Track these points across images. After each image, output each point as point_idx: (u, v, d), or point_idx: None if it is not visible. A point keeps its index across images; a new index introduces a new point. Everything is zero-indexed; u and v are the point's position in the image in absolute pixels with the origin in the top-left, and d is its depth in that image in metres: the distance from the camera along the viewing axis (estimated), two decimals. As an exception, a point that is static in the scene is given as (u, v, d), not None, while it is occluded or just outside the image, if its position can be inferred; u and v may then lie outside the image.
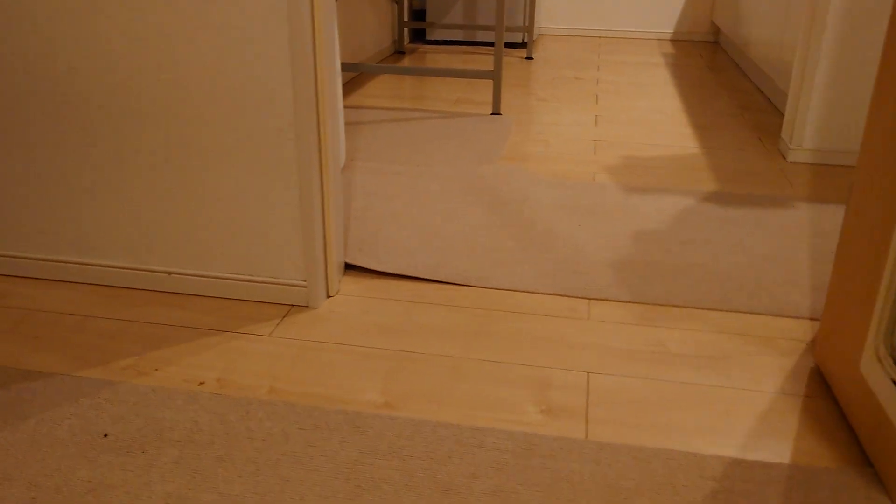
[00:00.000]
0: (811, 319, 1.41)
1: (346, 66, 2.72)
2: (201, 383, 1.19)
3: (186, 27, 1.26)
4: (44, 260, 1.48)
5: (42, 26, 1.31)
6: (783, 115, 2.81)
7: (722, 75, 3.52)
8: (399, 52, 3.91)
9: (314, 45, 1.27)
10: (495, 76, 2.66)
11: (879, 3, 2.09)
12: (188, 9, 1.25)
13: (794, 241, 1.71)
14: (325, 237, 1.40)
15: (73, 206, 1.43)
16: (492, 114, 2.74)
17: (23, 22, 1.31)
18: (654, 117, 2.78)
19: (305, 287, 1.41)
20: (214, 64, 1.28)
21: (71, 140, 1.38)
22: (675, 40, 4.49)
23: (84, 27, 1.29)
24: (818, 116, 2.23)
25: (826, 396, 1.19)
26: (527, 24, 3.97)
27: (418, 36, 4.37)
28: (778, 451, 1.07)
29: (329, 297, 1.45)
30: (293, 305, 1.42)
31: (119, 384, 1.17)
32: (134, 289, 1.47)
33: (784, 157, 2.32)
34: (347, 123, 2.59)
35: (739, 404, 1.17)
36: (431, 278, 1.52)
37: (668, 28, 4.49)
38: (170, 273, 1.44)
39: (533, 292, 1.48)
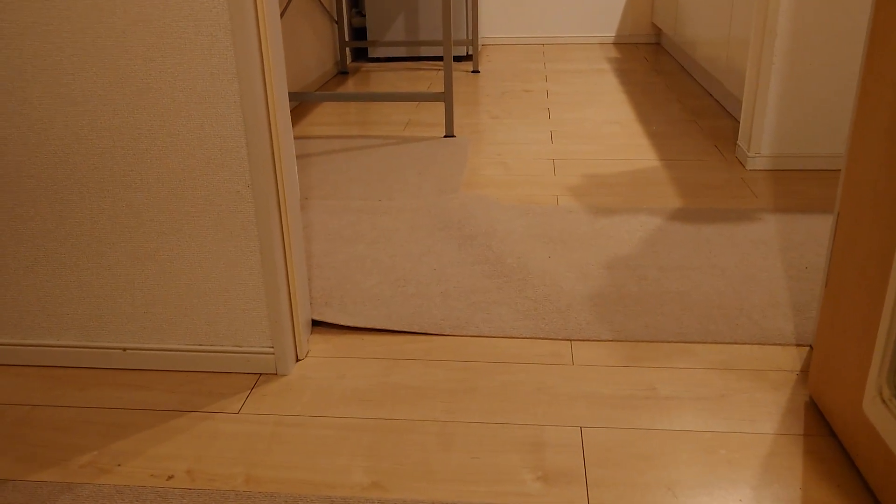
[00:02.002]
0: (797, 346, 1.38)
1: (291, 96, 2.62)
2: (170, 477, 1.09)
3: (125, 89, 1.17)
4: (-17, 344, 1.36)
5: (-36, 96, 1.19)
6: (735, 120, 2.81)
7: (669, 79, 3.52)
8: (342, 73, 3.82)
9: (267, 101, 1.19)
10: (446, 98, 2.60)
11: (827, 7, 2.09)
12: (127, 69, 1.15)
13: (768, 258, 1.69)
14: (290, 298, 1.32)
15: (11, 285, 1.32)
16: (445, 136, 2.68)
17: (-58, 92, 1.20)
18: (609, 129, 2.75)
19: (273, 353, 1.32)
20: (159, 126, 1.19)
21: (4, 215, 1.27)
22: (618, 43, 4.50)
23: (11, 95, 1.18)
24: (774, 123, 2.22)
25: (826, 434, 1.15)
26: (470, 37, 3.92)
27: (361, 54, 4.29)
28: (787, 501, 1.03)
29: (298, 360, 1.37)
30: (261, 374, 1.33)
31: (79, 487, 1.07)
32: (85, 368, 1.36)
33: (743, 165, 2.31)
34: (297, 156, 2.49)
35: (740, 451, 1.12)
36: (406, 330, 1.45)
37: (609, 31, 4.49)
38: (125, 349, 1.34)
39: (513, 337, 1.42)
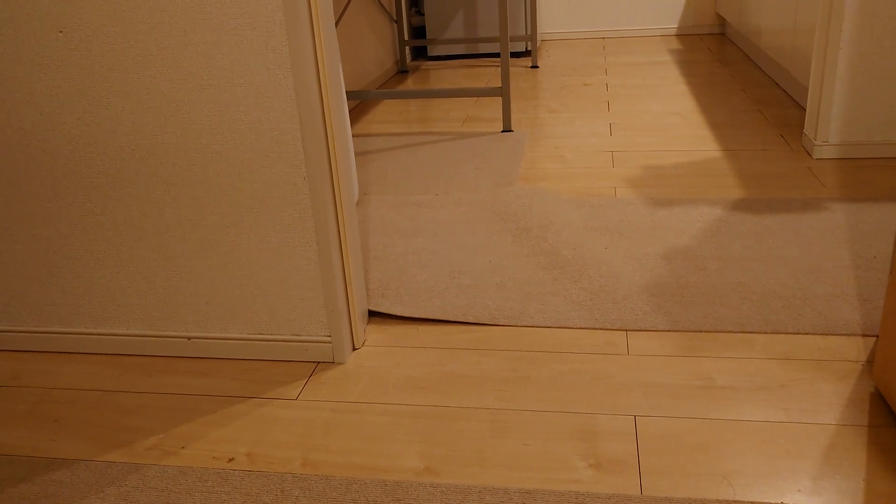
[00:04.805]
0: (863, 336, 1.34)
1: (350, 95, 2.67)
2: (231, 459, 1.13)
3: (187, 86, 1.21)
4: (58, 333, 1.43)
5: (39, 99, 1.26)
6: (803, 108, 2.73)
7: (733, 69, 3.45)
8: (402, 72, 3.86)
9: (321, 94, 1.22)
10: (503, 93, 2.60)
11: (898, -11, 2.01)
12: (188, 67, 1.20)
13: (834, 248, 1.64)
14: (346, 289, 1.35)
15: (83, 277, 1.39)
16: (503, 131, 2.68)
17: (18, 95, 1.26)
18: (670, 121, 2.71)
19: (330, 342, 1.35)
20: (219, 121, 1.23)
21: (76, 210, 1.33)
22: (681, 35, 4.42)
23: (82, 95, 1.24)
24: (842, 109, 2.15)
25: (892, 425, 1.12)
26: (529, 33, 3.91)
27: (420, 53, 4.32)
28: (848, 493, 1.00)
29: (355, 349, 1.39)
30: (319, 362, 1.36)
31: (146, 468, 1.12)
32: (153, 356, 1.41)
33: (810, 155, 2.25)
34: (357, 154, 2.54)
35: (800, 441, 1.10)
36: (461, 320, 1.46)
37: (672, 23, 4.42)
38: (189, 338, 1.39)
39: (567, 327, 1.42)
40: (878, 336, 1.33)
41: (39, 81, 1.25)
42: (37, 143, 1.29)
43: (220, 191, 1.28)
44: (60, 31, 1.21)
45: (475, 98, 3.23)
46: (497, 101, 3.15)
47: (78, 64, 1.23)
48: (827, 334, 1.35)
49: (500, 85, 3.43)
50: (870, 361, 1.27)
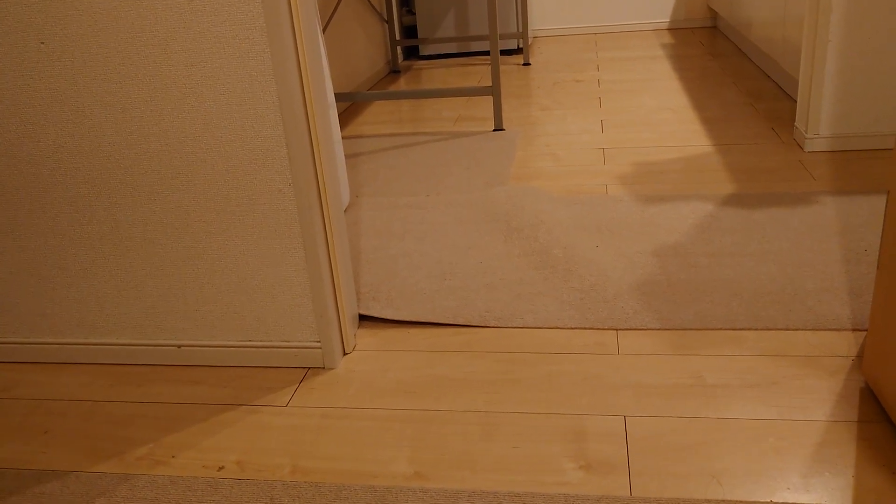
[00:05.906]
0: (853, 330, 1.33)
1: (340, 97, 2.66)
2: (221, 468, 1.13)
3: (171, 95, 1.21)
4: (48, 343, 1.43)
5: (22, 110, 1.26)
6: (795, 101, 2.73)
7: (725, 62, 3.44)
8: (394, 72, 3.86)
9: (305, 99, 1.21)
10: (494, 91, 2.60)
11: (886, -20, 2.00)
12: (170, 76, 1.20)
13: (825, 242, 1.63)
14: (335, 294, 1.34)
15: (72, 287, 1.38)
16: (494, 130, 2.68)
17: (1, 107, 1.26)
18: (662, 116, 2.71)
19: (320, 348, 1.35)
20: (202, 129, 1.23)
21: (63, 220, 1.33)
22: (673, 29, 4.41)
23: (65, 105, 1.24)
24: (832, 102, 2.15)
25: (881, 420, 1.12)
26: (520, 30, 3.91)
27: (412, 52, 4.32)
28: (838, 490, 1.00)
29: (346, 354, 1.39)
30: (309, 368, 1.36)
31: (136, 478, 1.12)
32: (143, 365, 1.41)
33: (801, 147, 2.24)
34: (348, 156, 2.53)
35: (790, 438, 1.09)
36: (450, 323, 1.46)
37: (664, 17, 4.41)
38: (179, 346, 1.39)
39: (557, 328, 1.42)
40: (867, 330, 1.33)
41: (22, 93, 1.25)
42: (21, 155, 1.29)
43: (206, 198, 1.27)
44: (42, 43, 1.21)
45: (467, 97, 3.22)
46: (488, 100, 3.14)
47: (60, 75, 1.22)
48: (817, 329, 1.35)
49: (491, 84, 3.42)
50: (860, 356, 1.26)
